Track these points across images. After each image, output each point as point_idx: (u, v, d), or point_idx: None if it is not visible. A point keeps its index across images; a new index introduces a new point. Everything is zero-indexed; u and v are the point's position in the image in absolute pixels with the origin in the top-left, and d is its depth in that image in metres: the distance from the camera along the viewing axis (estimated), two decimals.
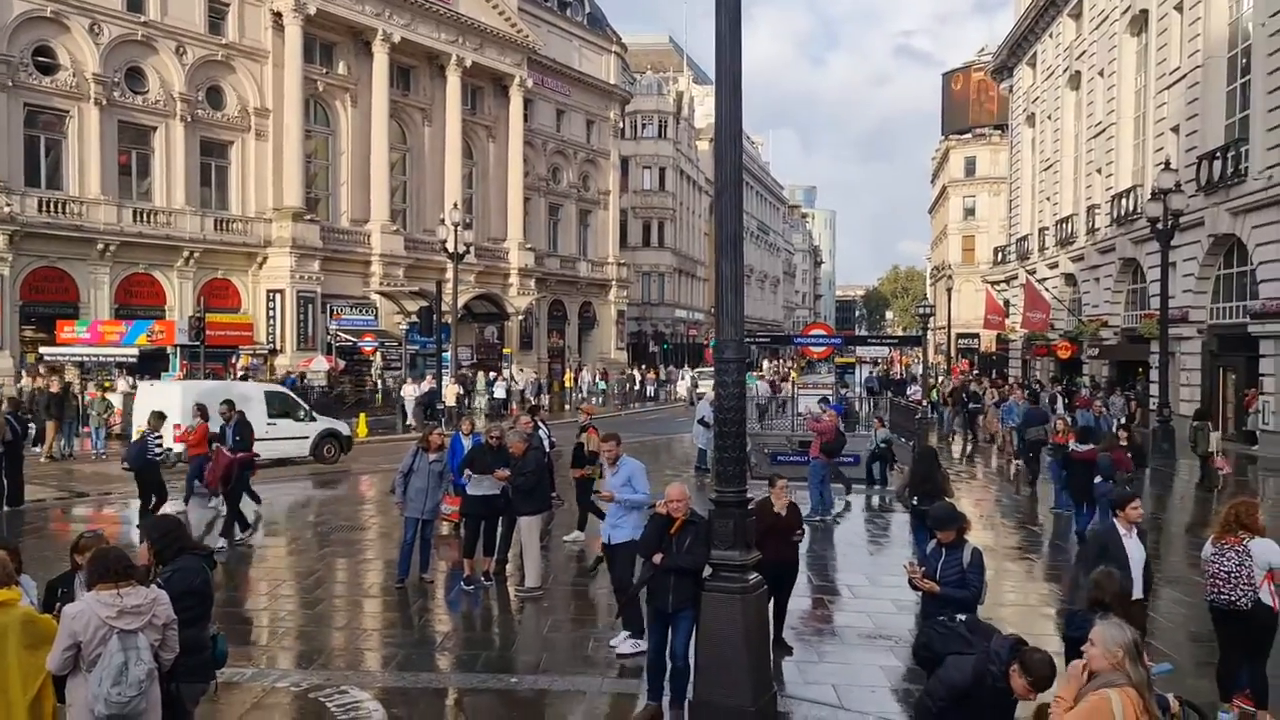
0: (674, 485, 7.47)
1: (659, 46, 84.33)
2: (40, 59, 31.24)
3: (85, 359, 29.09)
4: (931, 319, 43.03)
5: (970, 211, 74.82)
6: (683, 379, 49.91)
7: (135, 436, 13.26)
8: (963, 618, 5.73)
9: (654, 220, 68.75)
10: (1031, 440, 20.73)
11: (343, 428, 23.23)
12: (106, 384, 26.02)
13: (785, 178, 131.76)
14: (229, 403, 14.72)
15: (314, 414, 22.49)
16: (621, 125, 60.25)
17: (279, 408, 21.41)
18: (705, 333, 72.06)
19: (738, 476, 7.11)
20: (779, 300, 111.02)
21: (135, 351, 28.70)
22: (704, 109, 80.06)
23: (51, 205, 31.14)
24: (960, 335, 63.36)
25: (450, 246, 27.98)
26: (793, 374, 44.25)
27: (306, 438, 21.69)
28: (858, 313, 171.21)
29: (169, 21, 34.04)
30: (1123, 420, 21.21)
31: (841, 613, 10.40)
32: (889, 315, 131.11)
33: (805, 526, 9.35)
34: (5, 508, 15.17)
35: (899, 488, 13.12)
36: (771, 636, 7.99)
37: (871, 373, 40.48)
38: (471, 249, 33.82)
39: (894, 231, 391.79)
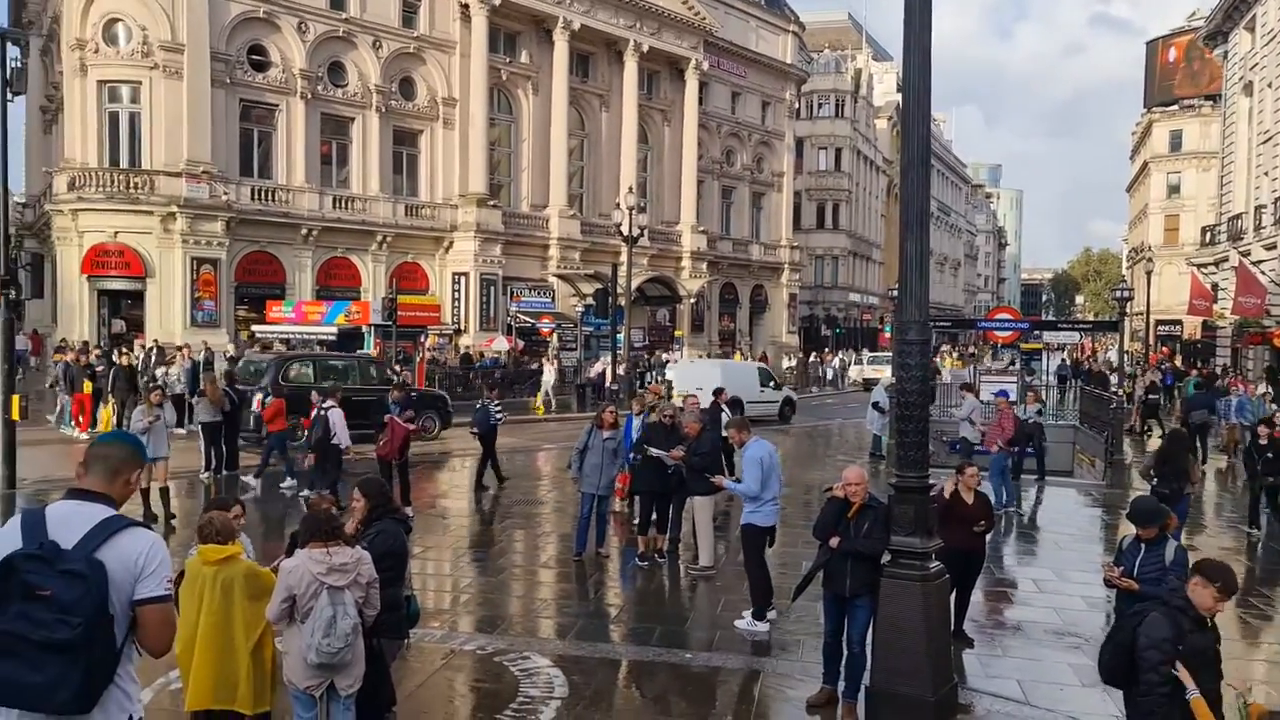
0: (851, 468, 7.35)
1: (837, 24, 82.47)
2: (254, 57, 33.65)
3: (291, 336, 31.16)
4: (1129, 303, 40.46)
5: (1174, 189, 69.70)
6: (840, 361, 49.27)
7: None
8: None
9: (828, 202, 67.49)
10: (1196, 424, 19.67)
11: (794, 395, 30.61)
12: None
13: (968, 156, 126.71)
14: (403, 385, 17.21)
15: (780, 386, 28.89)
16: (797, 105, 59.33)
17: (764, 379, 28.65)
18: (880, 317, 70.32)
19: (919, 461, 6.94)
20: (959, 284, 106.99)
21: (335, 330, 30.45)
22: (883, 86, 77.79)
23: (262, 193, 33.58)
24: (1160, 322, 59.29)
25: (625, 230, 28.37)
26: (947, 360, 42.55)
27: (775, 402, 28.70)
28: (1044, 297, 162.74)
29: (367, 17, 35.92)
30: None
31: (1027, 607, 9.99)
32: (1079, 300, 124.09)
33: (993, 518, 9.01)
34: (223, 472, 16.51)
35: (1143, 467, 12.44)
36: (952, 627, 7.79)
37: (1063, 360, 38.44)
38: (645, 232, 34.18)
39: (1085, 211, 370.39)
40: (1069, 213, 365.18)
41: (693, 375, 26.88)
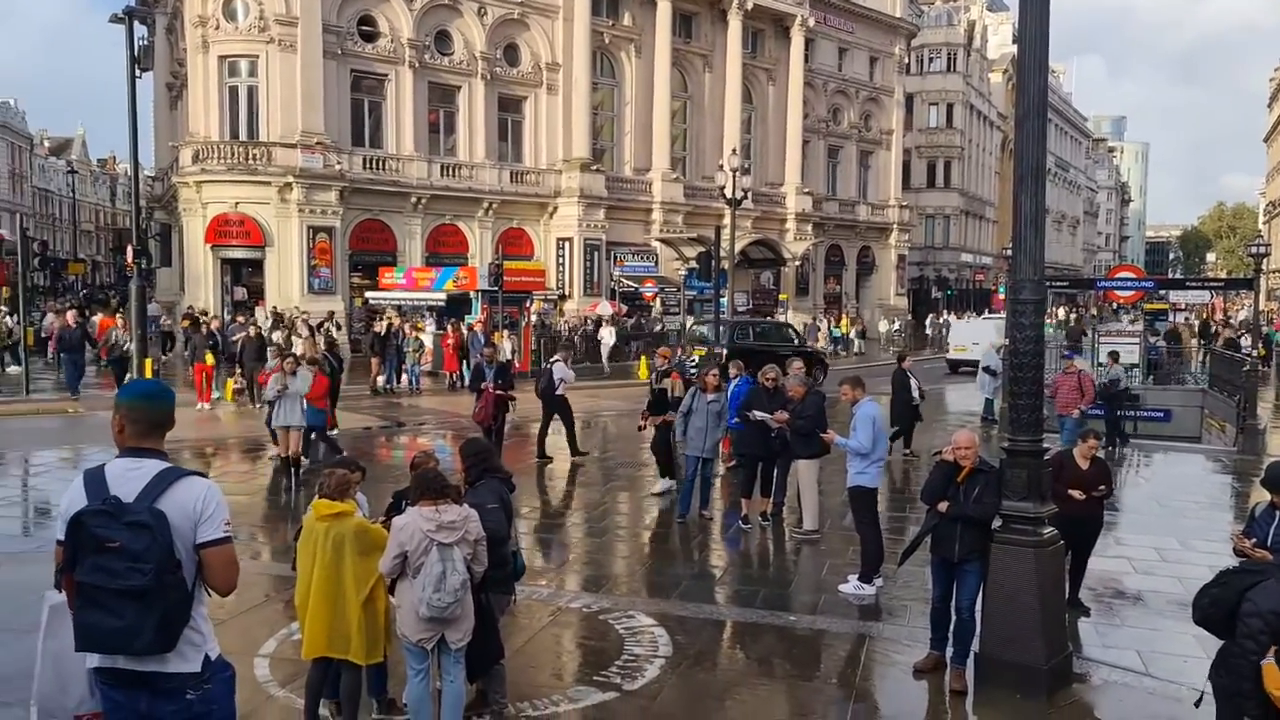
0: (962, 432, 7.19)
1: None
2: (363, 28, 34.35)
3: (402, 303, 31.97)
4: (1266, 259, 38.20)
5: None
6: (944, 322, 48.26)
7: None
8: None
9: (939, 159, 65.53)
10: None
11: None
12: (419, 325, 28.45)
13: (1089, 109, 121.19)
14: (492, 345, 17.01)
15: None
16: (907, 60, 57.54)
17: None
18: (993, 278, 68.21)
19: (1033, 424, 6.72)
20: (1078, 243, 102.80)
21: (443, 296, 31.13)
22: (998, 39, 74.84)
23: (373, 163, 34.41)
24: None
25: (728, 193, 28.08)
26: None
27: None
28: (1171, 255, 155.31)
29: None
30: None
31: (1148, 576, 9.63)
32: (1210, 257, 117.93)
33: (1112, 485, 8.64)
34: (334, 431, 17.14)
35: None
36: (1067, 596, 7.57)
37: (1186, 319, 36.70)
38: (749, 195, 33.77)
39: (1217, 164, 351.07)
40: (1199, 166, 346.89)
41: (970, 332, 32.96)
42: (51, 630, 3.76)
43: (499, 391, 14.31)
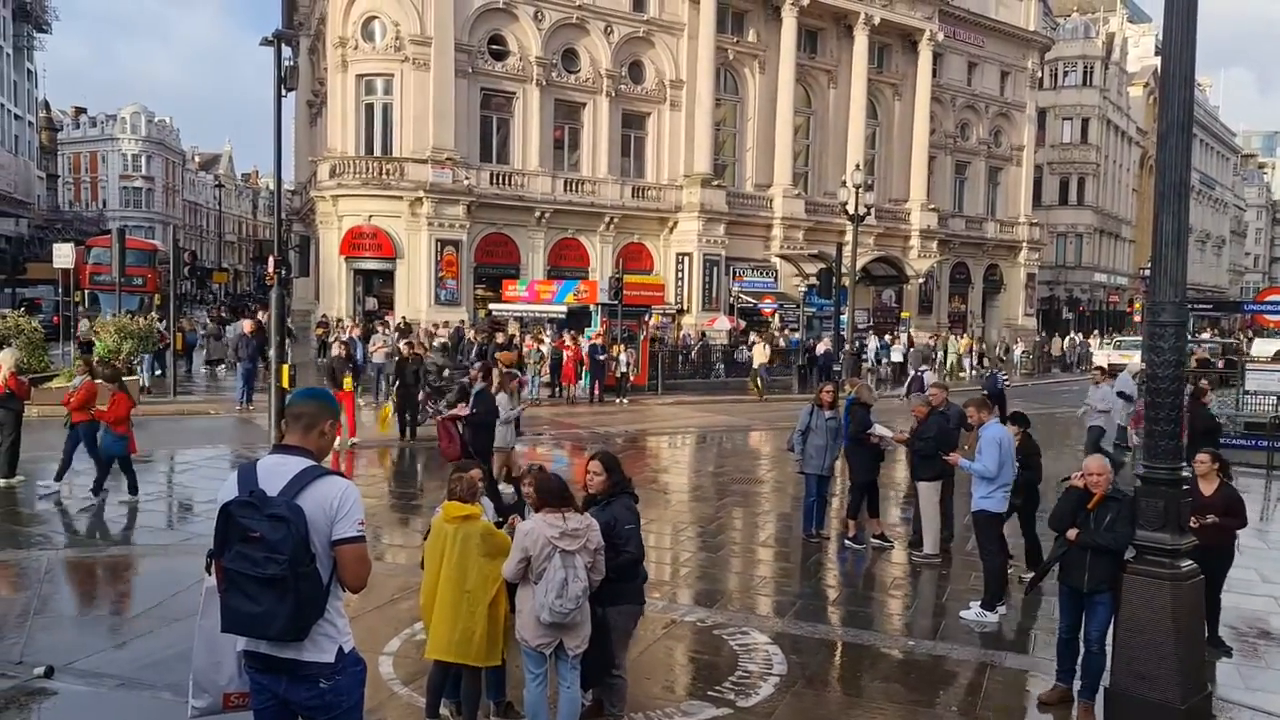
0: (1093, 458, 6.96)
1: None
2: (493, 47, 35.37)
3: (524, 315, 32.66)
4: None
5: None
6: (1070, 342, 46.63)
7: None
8: None
9: (1073, 176, 63.29)
10: None
11: None
12: (539, 337, 28.98)
13: (1238, 124, 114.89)
14: (486, 366, 13.34)
15: None
16: (1039, 74, 55.78)
17: None
18: (1128, 299, 65.35)
19: (1172, 451, 6.43)
20: (1223, 263, 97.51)
21: (564, 309, 31.67)
22: (1139, 50, 72.00)
23: (500, 178, 35.31)
24: None
25: (850, 209, 27.74)
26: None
27: None
28: None
29: (600, 3, 36.86)
30: None
31: None
32: None
33: (1242, 515, 8.04)
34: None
35: None
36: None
37: None
38: (872, 211, 33.31)
39: None
40: None
41: None
42: (206, 611, 4.02)
43: (447, 412, 12.22)
